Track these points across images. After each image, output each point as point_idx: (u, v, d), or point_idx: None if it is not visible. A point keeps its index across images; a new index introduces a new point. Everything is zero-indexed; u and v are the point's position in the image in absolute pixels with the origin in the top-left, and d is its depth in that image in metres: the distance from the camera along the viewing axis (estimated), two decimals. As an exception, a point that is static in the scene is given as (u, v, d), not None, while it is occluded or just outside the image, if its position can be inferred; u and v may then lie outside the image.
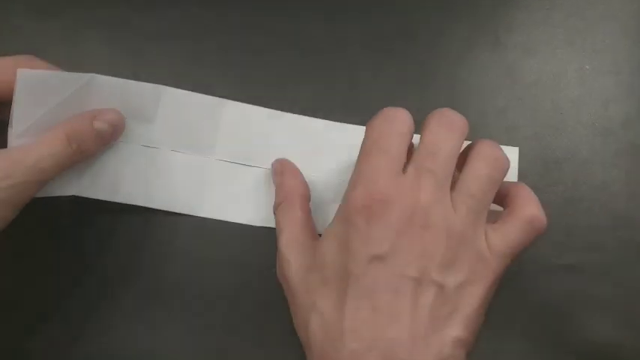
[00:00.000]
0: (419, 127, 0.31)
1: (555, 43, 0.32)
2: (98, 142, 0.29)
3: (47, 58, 0.34)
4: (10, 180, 0.25)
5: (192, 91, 0.32)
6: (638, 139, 0.31)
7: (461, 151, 0.26)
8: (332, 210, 0.27)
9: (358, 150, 0.26)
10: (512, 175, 0.31)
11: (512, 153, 0.31)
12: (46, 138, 0.27)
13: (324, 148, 0.32)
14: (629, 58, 0.32)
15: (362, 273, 0.23)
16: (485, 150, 0.26)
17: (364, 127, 0.26)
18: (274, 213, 0.29)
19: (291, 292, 0.26)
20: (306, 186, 0.30)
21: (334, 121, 0.32)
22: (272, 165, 0.31)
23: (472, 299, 0.24)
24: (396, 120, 0.26)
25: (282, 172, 0.30)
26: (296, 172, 0.31)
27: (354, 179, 0.26)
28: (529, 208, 0.25)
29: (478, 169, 0.25)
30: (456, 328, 0.23)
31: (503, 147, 0.28)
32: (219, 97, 0.33)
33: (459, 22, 0.33)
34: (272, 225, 0.30)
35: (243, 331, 0.30)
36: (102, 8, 0.34)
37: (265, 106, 0.32)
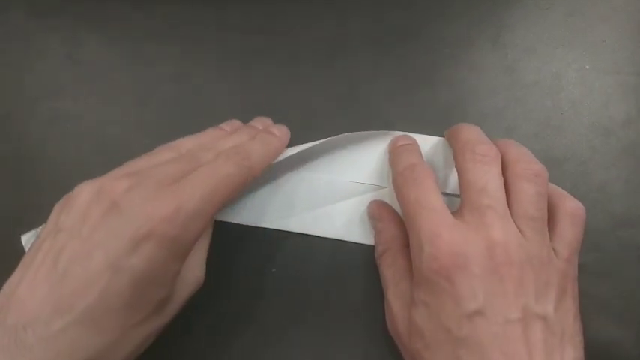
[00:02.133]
0: (422, 128, 0.31)
1: (555, 43, 0.32)
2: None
3: (47, 58, 0.34)
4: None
5: (192, 91, 0.32)
6: (638, 139, 0.31)
7: None
8: None
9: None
10: None
11: None
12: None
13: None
14: (629, 58, 0.32)
15: (466, 333, 0.23)
16: (524, 169, 0.25)
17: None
18: (377, 261, 0.29)
19: (403, 345, 0.26)
20: (405, 233, 0.28)
21: (334, 121, 0.32)
22: (368, 208, 0.30)
23: (569, 314, 0.24)
24: (425, 179, 0.26)
25: (381, 217, 0.30)
26: (395, 218, 0.29)
27: (416, 243, 0.25)
28: (566, 203, 0.26)
29: (526, 190, 0.25)
30: (570, 351, 0.23)
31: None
32: (219, 97, 0.33)
33: (459, 22, 0.33)
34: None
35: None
36: (102, 8, 0.34)
37: (265, 106, 0.32)
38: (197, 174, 0.24)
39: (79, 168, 0.33)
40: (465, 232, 0.24)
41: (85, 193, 0.24)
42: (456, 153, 0.27)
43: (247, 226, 0.31)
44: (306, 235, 0.31)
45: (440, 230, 0.24)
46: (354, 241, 0.30)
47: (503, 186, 0.25)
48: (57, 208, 0.25)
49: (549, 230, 0.25)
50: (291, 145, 0.30)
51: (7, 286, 0.23)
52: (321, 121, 0.32)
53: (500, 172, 0.25)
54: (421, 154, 0.29)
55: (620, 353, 0.29)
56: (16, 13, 0.35)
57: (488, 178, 0.25)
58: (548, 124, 0.31)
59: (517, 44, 0.33)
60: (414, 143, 0.30)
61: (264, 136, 0.28)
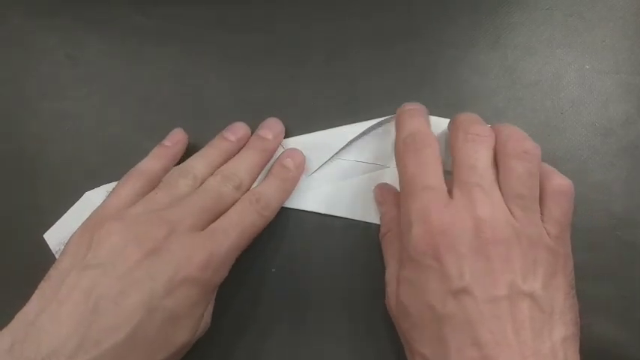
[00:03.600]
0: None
1: (555, 43, 0.32)
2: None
3: (47, 58, 0.34)
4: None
5: (192, 91, 0.32)
6: (638, 139, 0.31)
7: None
8: None
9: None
10: None
11: None
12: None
13: None
14: (629, 58, 0.32)
15: (451, 310, 0.23)
16: (513, 147, 0.25)
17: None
18: (381, 243, 0.29)
19: (397, 327, 0.27)
20: None
21: (334, 121, 0.32)
22: (374, 192, 0.31)
23: (560, 292, 0.24)
24: (424, 148, 0.26)
25: (384, 201, 0.30)
26: (397, 200, 0.29)
27: (405, 221, 0.25)
28: (553, 181, 0.25)
29: (514, 167, 0.25)
30: (560, 329, 0.23)
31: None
32: (219, 97, 0.33)
33: (460, 22, 0.33)
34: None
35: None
36: (102, 8, 0.34)
37: (265, 106, 0.32)
38: (226, 221, 0.27)
39: (79, 168, 0.33)
40: (454, 211, 0.24)
41: (118, 234, 0.25)
42: (451, 134, 0.27)
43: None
44: (306, 234, 0.31)
45: (429, 210, 0.24)
46: (360, 219, 0.31)
47: (492, 165, 0.25)
48: (78, 240, 0.25)
49: (540, 207, 0.25)
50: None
51: (22, 315, 0.23)
52: (321, 121, 0.32)
53: (492, 151, 0.26)
54: (427, 118, 0.29)
55: (620, 353, 0.29)
56: (16, 13, 0.35)
57: (478, 157, 0.25)
58: (548, 124, 0.31)
59: (517, 44, 0.33)
60: (421, 108, 0.29)
61: (282, 177, 0.30)
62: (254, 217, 0.28)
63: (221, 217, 0.27)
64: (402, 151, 0.27)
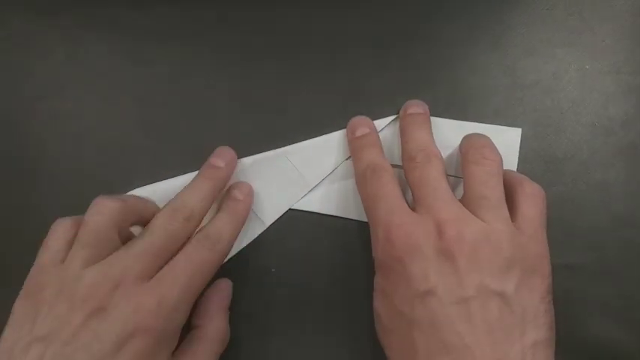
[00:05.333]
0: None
1: (555, 43, 0.32)
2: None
3: (47, 58, 0.34)
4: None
5: (192, 91, 0.32)
6: (638, 139, 0.31)
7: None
8: None
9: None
10: (513, 156, 0.31)
11: (514, 134, 0.31)
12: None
13: None
14: (629, 58, 0.32)
15: (419, 314, 0.23)
16: (473, 154, 0.26)
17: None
18: None
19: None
20: None
21: (334, 121, 0.32)
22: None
23: (535, 294, 0.23)
24: (381, 172, 0.27)
25: None
26: None
27: (373, 233, 0.26)
28: (525, 187, 0.26)
29: (474, 172, 0.26)
30: (532, 332, 0.22)
31: (506, 128, 0.30)
32: (219, 97, 0.33)
33: (459, 22, 0.33)
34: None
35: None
36: (102, 8, 0.34)
37: (265, 106, 0.32)
38: (174, 265, 0.25)
39: (79, 168, 0.33)
40: (417, 217, 0.25)
41: (57, 296, 0.23)
42: (402, 156, 0.28)
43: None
44: (306, 234, 0.31)
45: (393, 216, 0.25)
46: (360, 219, 0.31)
47: (443, 166, 0.26)
48: (21, 311, 0.24)
49: (512, 214, 0.25)
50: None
51: None
52: (321, 121, 0.32)
53: (443, 166, 0.27)
54: (380, 143, 0.30)
55: (620, 353, 0.29)
56: (16, 13, 0.35)
57: (435, 175, 0.26)
58: (548, 124, 0.31)
59: (517, 44, 0.33)
60: (371, 132, 0.30)
61: (231, 209, 0.29)
62: (205, 255, 0.26)
63: (169, 263, 0.25)
64: (362, 183, 0.28)
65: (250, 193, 0.30)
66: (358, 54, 0.33)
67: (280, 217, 0.31)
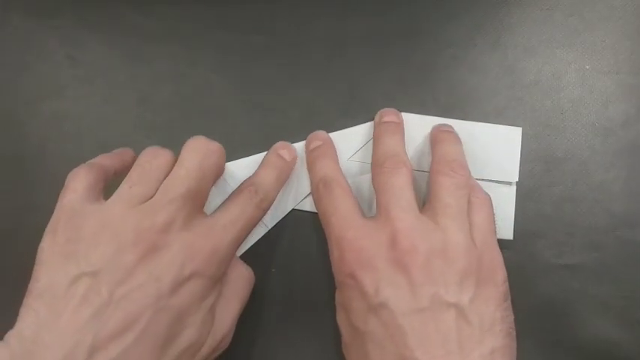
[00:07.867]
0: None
1: (555, 43, 0.32)
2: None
3: (47, 58, 0.34)
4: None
5: (192, 91, 0.32)
6: (638, 139, 0.31)
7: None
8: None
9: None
10: (515, 156, 0.31)
11: (515, 133, 0.31)
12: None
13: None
14: (629, 58, 0.32)
15: (372, 327, 0.23)
16: (443, 166, 0.26)
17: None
18: None
19: None
20: None
21: (334, 121, 0.32)
22: None
23: (490, 302, 0.23)
24: (333, 186, 0.27)
25: None
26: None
27: (329, 251, 0.26)
28: (475, 194, 0.26)
29: (441, 182, 0.26)
30: (489, 341, 0.22)
31: (506, 127, 0.30)
32: (219, 97, 0.33)
33: (460, 22, 0.33)
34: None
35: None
36: (102, 8, 0.34)
37: (265, 106, 0.32)
38: (226, 216, 0.26)
39: (79, 168, 0.33)
40: (370, 229, 0.24)
41: (99, 236, 0.23)
42: (372, 163, 0.28)
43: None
44: (306, 234, 0.31)
45: (345, 231, 0.25)
46: None
47: (411, 187, 0.26)
48: (55, 247, 0.24)
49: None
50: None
51: (16, 334, 0.22)
52: (321, 121, 0.32)
53: (410, 177, 0.26)
54: (333, 154, 0.30)
55: (620, 353, 0.29)
56: (16, 13, 0.35)
57: (395, 183, 0.26)
58: (548, 124, 0.31)
59: (517, 44, 0.33)
60: (324, 144, 0.30)
61: (279, 167, 0.29)
62: (253, 211, 0.27)
63: (221, 211, 0.26)
64: (316, 197, 0.28)
65: (295, 159, 0.30)
66: (358, 54, 0.33)
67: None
